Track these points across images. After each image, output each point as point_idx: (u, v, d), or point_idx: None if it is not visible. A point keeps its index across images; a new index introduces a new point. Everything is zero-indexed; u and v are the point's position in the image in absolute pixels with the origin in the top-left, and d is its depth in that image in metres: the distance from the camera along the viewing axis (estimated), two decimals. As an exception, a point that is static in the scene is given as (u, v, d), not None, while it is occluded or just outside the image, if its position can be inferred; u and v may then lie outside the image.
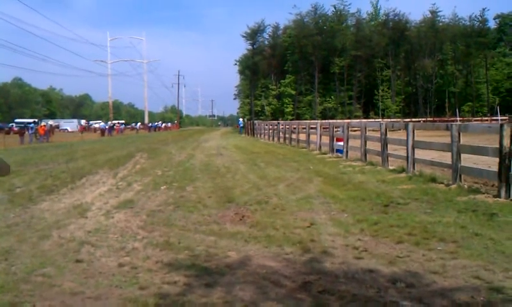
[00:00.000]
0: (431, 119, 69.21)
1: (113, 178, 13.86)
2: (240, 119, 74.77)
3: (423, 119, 69.24)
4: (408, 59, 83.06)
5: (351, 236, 6.67)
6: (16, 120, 75.69)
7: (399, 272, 5.08)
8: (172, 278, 5.04)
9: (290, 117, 73.74)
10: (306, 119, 62.56)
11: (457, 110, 70.89)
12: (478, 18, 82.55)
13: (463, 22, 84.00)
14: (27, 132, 40.48)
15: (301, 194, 10.31)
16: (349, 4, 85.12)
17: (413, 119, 59.40)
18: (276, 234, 6.84)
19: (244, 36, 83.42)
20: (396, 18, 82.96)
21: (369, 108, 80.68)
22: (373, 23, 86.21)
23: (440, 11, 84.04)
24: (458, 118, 63.48)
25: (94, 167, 16.67)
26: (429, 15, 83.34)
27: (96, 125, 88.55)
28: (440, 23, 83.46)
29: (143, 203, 9.71)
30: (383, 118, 69.42)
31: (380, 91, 79.49)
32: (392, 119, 62.53)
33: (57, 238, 6.83)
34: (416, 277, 4.90)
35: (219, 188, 11.56)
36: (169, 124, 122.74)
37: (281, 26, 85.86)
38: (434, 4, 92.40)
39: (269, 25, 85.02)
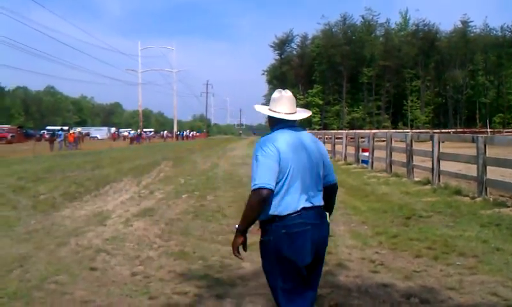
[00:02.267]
0: (461, 130, 67.99)
1: (136, 186, 13.96)
2: None
3: (452, 130, 68.09)
4: (438, 69, 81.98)
5: (368, 249, 6.54)
6: (48, 127, 77.16)
7: (414, 287, 4.95)
8: (183, 288, 5.01)
9: (317, 127, 73.47)
10: (333, 129, 62.15)
11: (487, 121, 69.54)
12: (510, 29, 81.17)
13: (495, 32, 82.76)
14: (56, 139, 41.18)
15: (322, 205, 10.16)
16: (378, 14, 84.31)
17: (443, 130, 58.53)
18: (292, 245, 6.74)
19: (272, 46, 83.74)
20: (426, 28, 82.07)
21: (398, 118, 79.80)
22: (402, 33, 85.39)
23: (471, 21, 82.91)
24: (489, 129, 62.25)
25: (119, 175, 16.82)
26: (460, 25, 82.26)
27: (125, 133, 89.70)
28: (471, 34, 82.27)
29: (162, 212, 9.74)
30: (411, 129, 68.50)
31: (409, 101, 78.62)
32: (421, 130, 61.66)
33: (74, 246, 6.88)
34: (432, 292, 4.76)
35: (240, 197, 11.50)
36: (195, 132, 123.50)
37: (310, 36, 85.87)
38: (465, 14, 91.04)
39: (297, 35, 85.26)
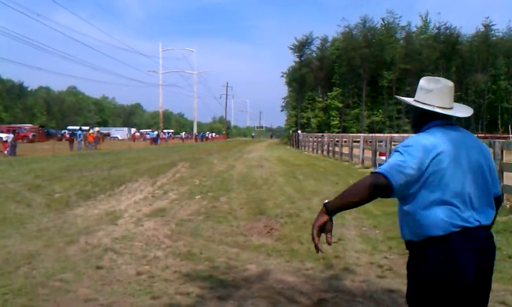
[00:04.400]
0: (482, 135, 66.99)
1: (151, 186, 14.01)
2: None
3: (474, 135, 67.06)
4: (460, 73, 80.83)
5: (377, 253, 6.46)
6: (69, 127, 78.11)
7: (420, 294, 4.85)
8: (186, 289, 4.99)
9: (336, 130, 72.98)
10: (352, 133, 61.78)
11: (510, 126, 68.42)
12: (534, 32, 79.72)
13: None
14: (76, 139, 41.62)
15: (335, 209, 10.08)
16: (399, 17, 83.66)
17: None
18: (300, 248, 6.70)
19: (291, 49, 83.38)
20: (447, 31, 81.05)
21: (418, 123, 78.91)
22: (423, 36, 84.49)
23: (493, 25, 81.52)
24: (511, 135, 61.25)
25: (135, 175, 16.91)
26: (482, 29, 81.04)
27: (147, 135, 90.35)
28: (494, 38, 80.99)
29: (174, 212, 9.76)
30: (432, 133, 67.65)
31: (430, 105, 77.66)
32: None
33: (83, 244, 6.91)
34: (438, 300, 4.66)
35: (252, 199, 11.50)
36: (213, 134, 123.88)
37: (330, 38, 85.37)
38: (488, 17, 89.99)
39: (317, 37, 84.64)
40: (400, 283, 5.17)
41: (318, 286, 5.11)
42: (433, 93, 2.57)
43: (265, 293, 4.90)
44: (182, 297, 4.76)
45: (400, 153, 2.39)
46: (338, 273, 5.58)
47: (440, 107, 2.54)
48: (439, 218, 2.34)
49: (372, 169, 2.10)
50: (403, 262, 5.93)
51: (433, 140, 2.41)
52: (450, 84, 2.62)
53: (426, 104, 2.55)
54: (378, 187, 2.31)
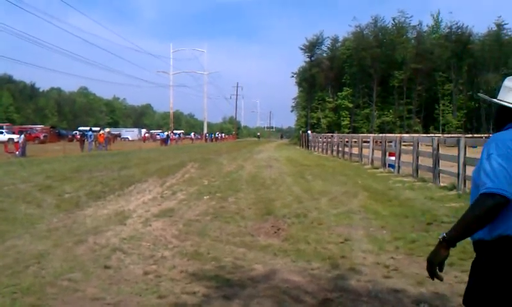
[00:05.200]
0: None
1: (160, 187, 14.09)
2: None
3: (485, 135, 66.72)
4: (471, 73, 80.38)
5: (384, 254, 6.46)
6: (80, 128, 78.58)
7: (425, 293, 4.86)
8: (192, 288, 5.03)
9: (346, 130, 72.86)
10: (362, 133, 61.58)
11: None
12: (546, 31, 78.97)
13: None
14: (86, 140, 41.88)
15: (343, 209, 10.11)
16: (410, 17, 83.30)
17: (475, 135, 57.33)
18: (307, 248, 6.72)
19: (302, 49, 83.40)
20: (459, 31, 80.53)
21: (429, 123, 78.55)
22: (434, 36, 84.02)
23: (505, 24, 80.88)
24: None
25: (144, 176, 17.01)
26: (494, 28, 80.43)
27: (157, 136, 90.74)
28: (506, 37, 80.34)
29: (182, 212, 9.81)
30: (443, 133, 67.38)
31: (441, 105, 77.29)
32: (452, 135, 60.59)
33: (91, 244, 6.98)
34: (443, 299, 4.68)
35: (260, 200, 11.53)
36: (223, 134, 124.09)
37: (340, 38, 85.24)
38: (500, 16, 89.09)
39: (328, 37, 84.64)
40: (405, 283, 5.19)
41: (323, 286, 5.13)
42: None
43: (270, 292, 4.92)
44: (188, 296, 4.80)
45: (495, 155, 2.30)
46: (344, 273, 5.59)
47: None
48: None
49: (482, 191, 2.04)
50: (409, 262, 5.97)
51: None
52: None
53: (510, 103, 2.52)
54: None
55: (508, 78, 2.62)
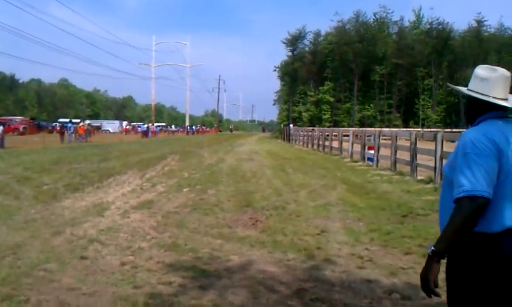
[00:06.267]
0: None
1: (140, 179, 14.06)
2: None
3: (463, 129, 67.42)
4: (451, 68, 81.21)
5: (359, 245, 6.56)
6: (60, 120, 77.71)
7: (398, 284, 4.97)
8: (168, 279, 5.07)
9: (327, 124, 73.14)
10: (343, 127, 61.91)
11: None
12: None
13: (510, 31, 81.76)
14: (66, 132, 41.48)
15: (321, 201, 10.22)
16: (392, 12, 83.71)
17: (454, 130, 57.97)
18: (283, 240, 6.80)
19: (284, 42, 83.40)
20: (440, 27, 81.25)
21: (409, 117, 79.28)
22: (415, 31, 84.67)
23: (485, 21, 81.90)
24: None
25: (124, 168, 16.94)
26: (474, 25, 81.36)
27: (138, 128, 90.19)
28: (486, 33, 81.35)
29: (161, 204, 9.83)
30: (423, 128, 68.06)
31: (421, 100, 78.04)
32: (431, 129, 61.27)
33: (69, 235, 6.97)
34: (415, 289, 4.76)
35: (240, 192, 11.59)
36: (204, 127, 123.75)
37: (323, 33, 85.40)
38: (480, 13, 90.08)
39: (310, 31, 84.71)
40: (379, 274, 5.29)
41: (298, 276, 5.21)
42: (489, 82, 2.43)
43: (246, 282, 4.99)
44: (163, 287, 4.84)
45: (472, 154, 2.26)
46: (319, 264, 5.68)
47: (496, 98, 2.40)
48: (499, 214, 2.26)
49: (460, 194, 2.01)
50: (383, 253, 6.09)
51: (494, 130, 2.32)
52: (508, 73, 2.47)
53: (481, 94, 2.42)
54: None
55: (479, 66, 2.53)
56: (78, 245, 6.44)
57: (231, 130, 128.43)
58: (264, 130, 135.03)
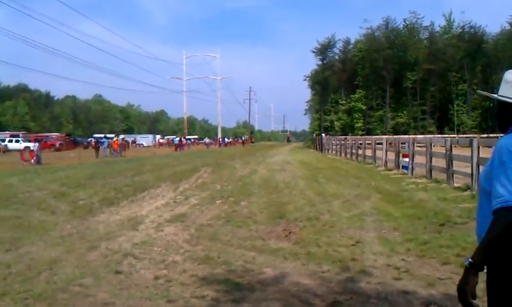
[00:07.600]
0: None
1: (173, 192, 14.16)
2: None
3: (500, 135, 65.78)
4: (485, 72, 79.55)
5: (395, 255, 6.42)
6: (94, 135, 79.28)
7: (435, 295, 4.83)
8: (202, 292, 5.05)
9: (360, 132, 72.55)
10: (376, 135, 61.22)
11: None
12: (562, 28, 77.90)
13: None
14: (101, 147, 42.24)
15: (355, 211, 10.08)
16: (422, 17, 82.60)
17: (490, 135, 56.67)
18: (317, 251, 6.71)
19: (314, 52, 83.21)
20: (472, 30, 79.82)
21: (444, 123, 77.92)
22: (447, 36, 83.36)
23: (518, 23, 79.97)
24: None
25: (157, 181, 17.11)
26: (507, 27, 79.59)
27: (172, 141, 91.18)
28: (520, 35, 79.43)
29: (195, 217, 9.85)
30: (458, 134, 66.82)
31: (455, 105, 76.64)
32: (467, 135, 60.03)
33: (104, 250, 7.04)
34: (453, 300, 4.60)
35: (273, 203, 11.53)
36: (237, 138, 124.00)
37: (352, 40, 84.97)
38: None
39: (340, 39, 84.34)
40: (416, 285, 5.15)
41: (333, 289, 5.12)
42: None
43: (279, 295, 4.93)
44: (197, 300, 4.82)
45: (510, 164, 2.16)
46: (354, 275, 5.57)
47: None
48: None
49: (498, 205, 1.94)
50: (420, 264, 5.94)
51: None
52: None
53: (510, 98, 2.33)
54: None
55: (508, 71, 2.42)
56: (113, 259, 6.49)
57: (288, 140, 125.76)
58: (288, 140, 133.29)
